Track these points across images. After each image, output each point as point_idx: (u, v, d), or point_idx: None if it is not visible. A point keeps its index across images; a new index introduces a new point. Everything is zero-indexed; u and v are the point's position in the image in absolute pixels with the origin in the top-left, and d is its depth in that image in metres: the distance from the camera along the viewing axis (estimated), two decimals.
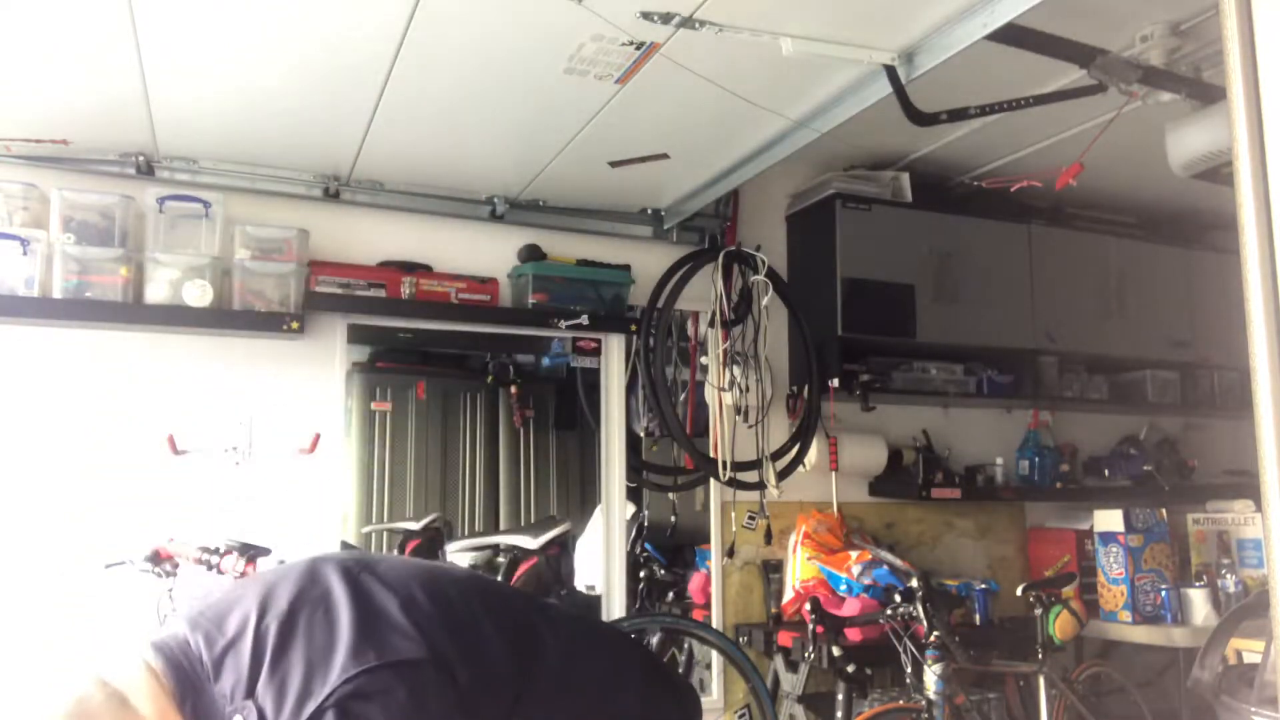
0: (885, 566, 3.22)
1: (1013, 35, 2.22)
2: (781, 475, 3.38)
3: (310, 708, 1.14)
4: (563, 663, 1.39)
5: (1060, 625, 3.02)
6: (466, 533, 3.31)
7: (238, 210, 2.97)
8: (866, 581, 3.17)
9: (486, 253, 3.30)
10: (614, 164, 2.97)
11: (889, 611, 2.81)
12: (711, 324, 3.43)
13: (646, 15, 2.03)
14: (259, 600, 1.24)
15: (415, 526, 3.07)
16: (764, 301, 3.39)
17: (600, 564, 3.31)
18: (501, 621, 1.35)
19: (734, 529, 3.47)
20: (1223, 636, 2.20)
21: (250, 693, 1.18)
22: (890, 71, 2.27)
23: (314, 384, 3.06)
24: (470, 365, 3.57)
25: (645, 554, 3.57)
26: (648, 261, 3.42)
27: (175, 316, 2.78)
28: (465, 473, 3.38)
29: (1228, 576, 3.48)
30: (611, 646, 1.56)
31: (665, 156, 2.92)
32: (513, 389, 3.52)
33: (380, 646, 1.21)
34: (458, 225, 3.29)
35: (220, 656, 1.21)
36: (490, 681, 1.28)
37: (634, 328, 3.32)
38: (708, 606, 3.49)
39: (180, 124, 2.68)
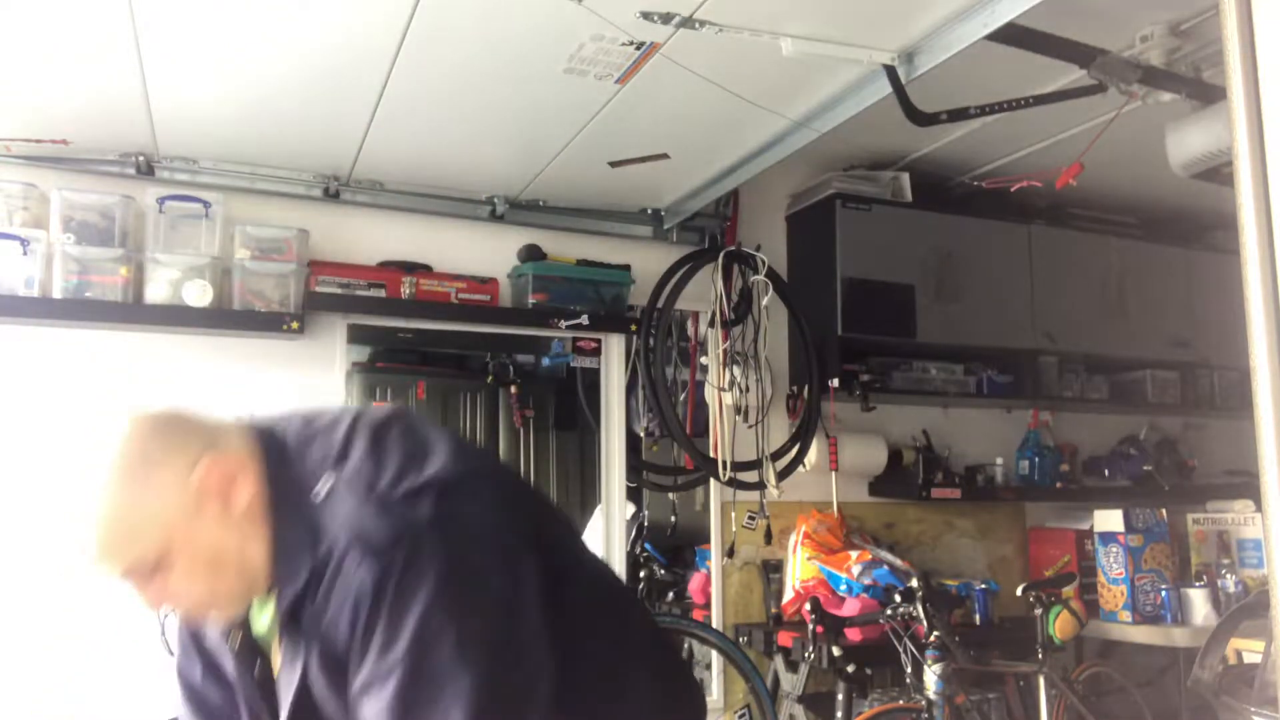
0: (885, 566, 3.22)
1: (1013, 35, 2.22)
2: (781, 475, 3.38)
3: (408, 484, 1.13)
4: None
5: (1060, 625, 3.02)
6: None
7: (238, 210, 2.97)
8: (866, 581, 3.17)
9: (486, 253, 3.30)
10: (614, 164, 2.97)
11: (889, 611, 2.81)
12: (711, 324, 3.43)
13: (646, 15, 2.03)
14: (353, 410, 1.27)
15: None
16: (764, 301, 3.39)
17: None
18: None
19: (734, 529, 3.47)
20: (1223, 636, 2.20)
21: (339, 463, 1.17)
22: (890, 71, 2.27)
23: (314, 384, 3.06)
24: (470, 365, 3.57)
25: (645, 554, 3.57)
26: (648, 261, 3.42)
27: (175, 316, 2.78)
28: None
29: (1228, 576, 3.47)
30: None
31: (665, 156, 2.92)
32: (513, 389, 3.52)
33: (478, 459, 1.27)
34: (458, 225, 3.29)
35: (310, 436, 1.23)
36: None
37: (634, 328, 3.32)
38: (708, 606, 3.49)
39: (180, 124, 2.68)
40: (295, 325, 2.88)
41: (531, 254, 3.29)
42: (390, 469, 1.15)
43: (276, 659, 1.20)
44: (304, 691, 1.14)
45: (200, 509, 1.14)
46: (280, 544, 1.16)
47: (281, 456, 1.20)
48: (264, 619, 1.23)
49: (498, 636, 1.10)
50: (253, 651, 1.23)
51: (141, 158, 2.88)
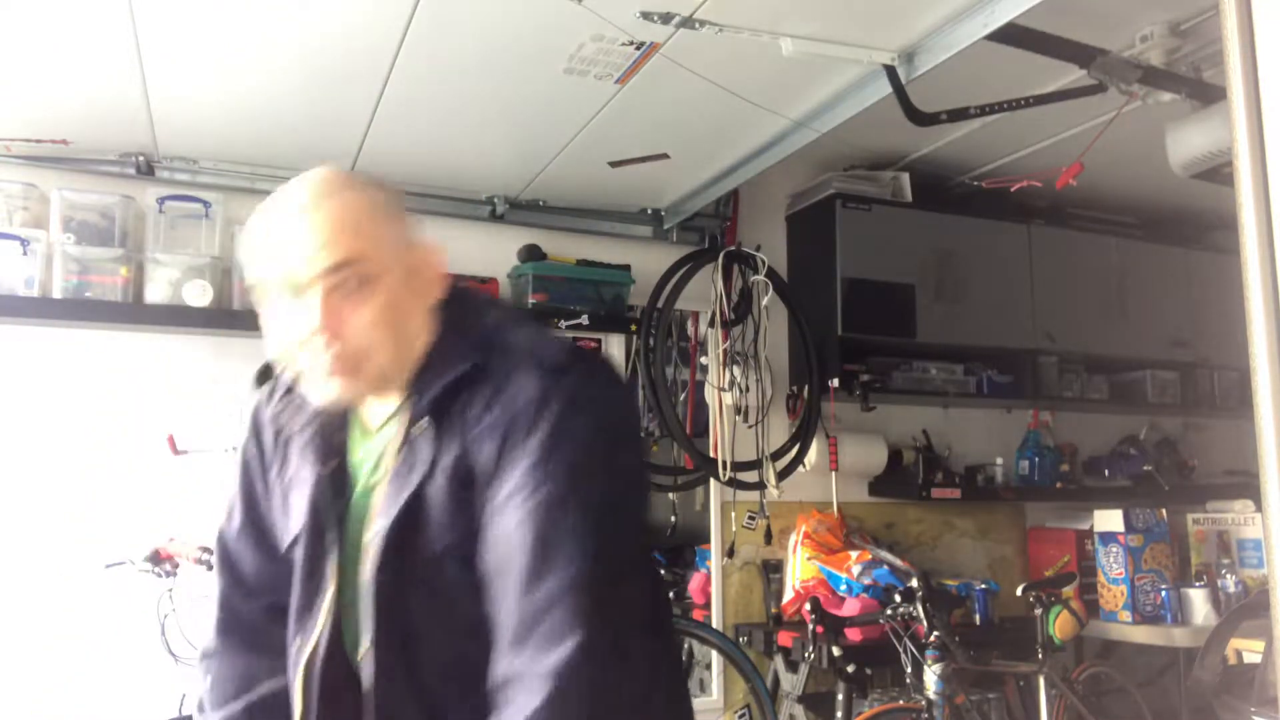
0: (885, 566, 3.22)
1: (1013, 35, 2.22)
2: (781, 475, 3.38)
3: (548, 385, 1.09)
4: None
5: (1060, 625, 3.02)
6: None
7: (238, 210, 2.97)
8: (866, 581, 3.17)
9: (486, 253, 3.30)
10: (614, 164, 2.97)
11: (889, 611, 2.81)
12: (711, 324, 3.43)
13: (646, 15, 2.03)
14: None
15: None
16: (764, 301, 3.39)
17: None
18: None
19: (734, 529, 3.46)
20: (1223, 636, 2.20)
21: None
22: (890, 71, 2.27)
23: None
24: None
25: None
26: (648, 261, 3.42)
27: (175, 316, 2.79)
28: None
29: (1228, 576, 3.47)
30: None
31: (665, 156, 2.92)
32: None
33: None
34: (458, 225, 3.29)
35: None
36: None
37: (634, 328, 3.32)
38: (708, 606, 3.48)
39: (180, 124, 2.68)
40: None
41: (531, 254, 3.29)
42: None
43: (381, 483, 1.15)
44: (415, 501, 1.10)
45: (408, 272, 1.15)
46: (442, 348, 1.16)
47: (463, 296, 1.23)
48: (380, 438, 1.19)
49: (633, 496, 1.14)
50: (344, 481, 1.20)
51: (141, 158, 2.88)
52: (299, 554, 1.20)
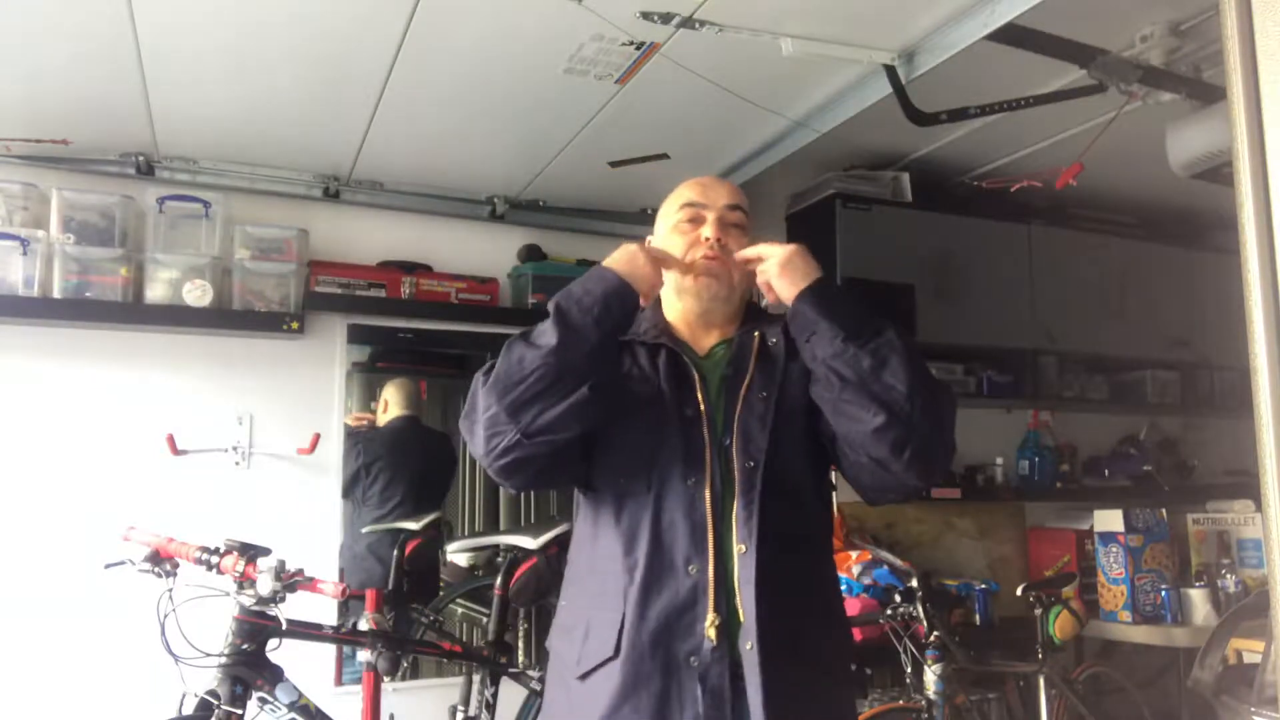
0: (885, 566, 3.22)
1: (1013, 35, 2.22)
2: None
3: None
4: None
5: (1060, 625, 3.02)
6: (466, 533, 3.31)
7: (238, 210, 2.97)
8: (866, 581, 3.17)
9: (486, 253, 3.30)
10: (614, 164, 2.97)
11: (889, 611, 2.81)
12: None
13: (646, 15, 2.03)
14: None
15: (415, 526, 3.07)
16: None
17: None
18: None
19: None
20: (1223, 636, 2.19)
21: None
22: (890, 71, 2.27)
23: (314, 384, 3.06)
24: (471, 365, 3.56)
25: None
26: None
27: (175, 316, 2.79)
28: (465, 473, 3.38)
29: (1228, 576, 3.47)
30: None
31: (665, 156, 2.92)
32: None
33: None
34: (458, 225, 3.29)
35: None
36: None
37: None
38: None
39: (180, 124, 2.68)
40: (295, 325, 2.88)
41: (531, 254, 3.29)
42: None
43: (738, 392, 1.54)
44: (783, 383, 1.53)
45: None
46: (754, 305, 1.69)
47: None
48: (730, 361, 1.59)
49: None
50: (689, 379, 1.54)
51: (141, 158, 2.88)
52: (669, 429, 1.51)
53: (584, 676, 1.44)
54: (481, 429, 1.42)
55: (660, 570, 1.42)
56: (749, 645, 1.37)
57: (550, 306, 1.44)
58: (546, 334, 1.41)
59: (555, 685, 1.53)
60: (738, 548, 1.42)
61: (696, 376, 1.53)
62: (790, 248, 1.52)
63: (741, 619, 1.39)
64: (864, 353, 1.41)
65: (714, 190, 1.63)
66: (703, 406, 1.50)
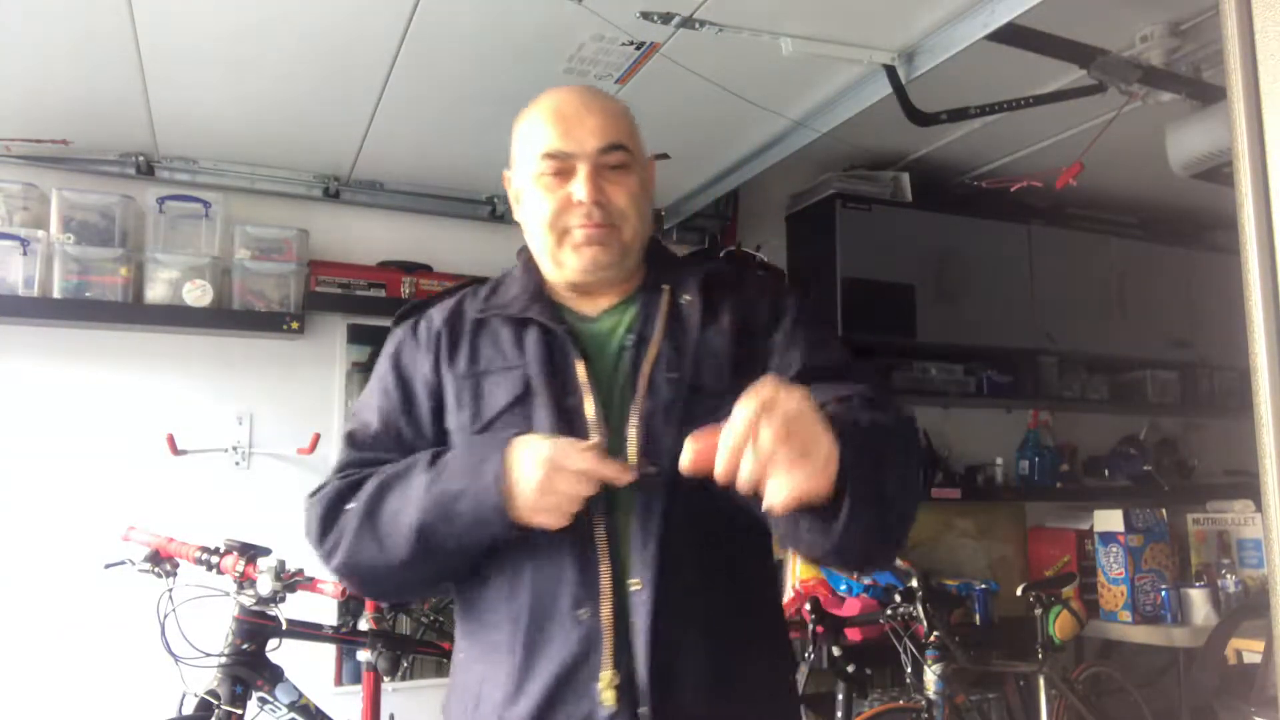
0: None
1: (1013, 35, 2.22)
2: None
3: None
4: None
5: (1060, 625, 3.02)
6: None
7: (238, 210, 2.97)
8: (866, 581, 3.17)
9: (486, 253, 3.29)
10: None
11: (889, 611, 2.81)
12: None
13: (646, 15, 2.03)
14: None
15: None
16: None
17: None
18: None
19: None
20: (1223, 637, 2.20)
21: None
22: (890, 71, 2.27)
23: (314, 384, 3.06)
24: None
25: None
26: None
27: (175, 316, 2.79)
28: None
29: (1228, 576, 3.47)
30: None
31: (665, 156, 2.92)
32: None
33: None
34: (458, 225, 3.29)
35: None
36: None
37: None
38: None
39: (180, 124, 2.68)
40: (295, 325, 2.88)
41: None
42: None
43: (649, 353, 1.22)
44: (697, 350, 1.22)
45: (646, 176, 1.31)
46: (663, 253, 1.36)
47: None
48: (622, 315, 1.28)
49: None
50: (567, 361, 1.22)
51: (141, 158, 2.88)
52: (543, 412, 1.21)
53: None
54: (332, 571, 1.22)
55: (544, 617, 1.13)
56: (644, 710, 1.09)
57: (412, 519, 1.12)
58: (395, 538, 1.13)
59: None
60: (631, 584, 1.12)
61: (578, 356, 1.21)
62: (780, 405, 0.92)
63: (637, 678, 1.09)
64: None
65: (580, 128, 1.22)
66: (587, 396, 1.18)
